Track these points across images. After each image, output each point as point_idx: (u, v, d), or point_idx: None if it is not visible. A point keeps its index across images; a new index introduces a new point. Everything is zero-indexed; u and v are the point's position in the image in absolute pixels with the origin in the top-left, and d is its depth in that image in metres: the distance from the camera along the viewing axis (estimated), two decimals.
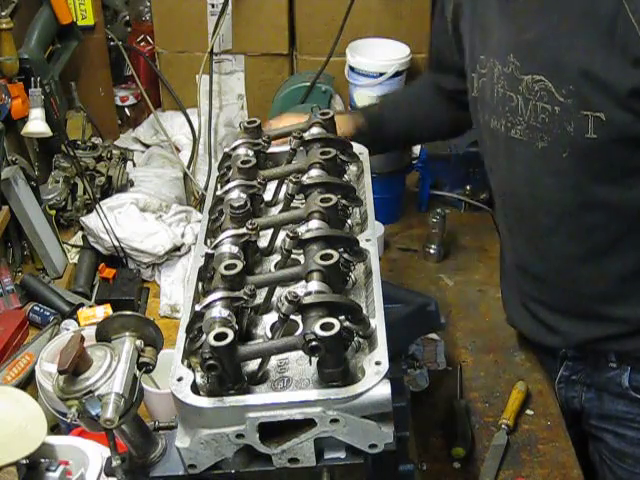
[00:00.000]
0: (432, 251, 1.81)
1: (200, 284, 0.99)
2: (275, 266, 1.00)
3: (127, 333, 0.87)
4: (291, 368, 0.87)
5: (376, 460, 0.84)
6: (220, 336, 0.78)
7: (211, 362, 0.79)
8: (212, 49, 2.10)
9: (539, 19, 1.17)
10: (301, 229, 0.94)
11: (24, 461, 1.06)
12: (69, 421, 0.83)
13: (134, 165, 2.01)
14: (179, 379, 0.83)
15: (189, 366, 0.86)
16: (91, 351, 0.84)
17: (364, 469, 0.84)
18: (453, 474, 1.30)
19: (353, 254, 0.94)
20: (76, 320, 1.53)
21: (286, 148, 1.15)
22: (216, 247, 0.95)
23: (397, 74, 1.94)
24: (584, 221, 1.25)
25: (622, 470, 1.44)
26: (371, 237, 1.00)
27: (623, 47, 1.07)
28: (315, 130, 1.12)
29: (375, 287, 0.92)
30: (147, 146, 2.17)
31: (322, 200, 0.96)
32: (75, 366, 0.81)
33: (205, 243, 1.04)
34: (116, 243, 1.68)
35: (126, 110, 2.28)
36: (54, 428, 1.29)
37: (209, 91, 2.11)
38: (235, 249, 0.94)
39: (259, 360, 0.86)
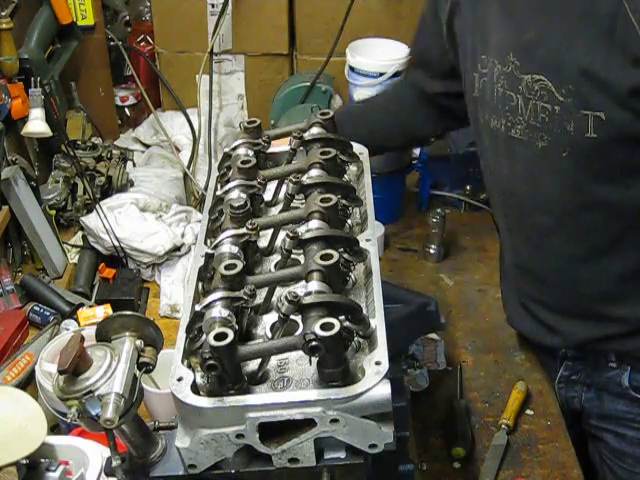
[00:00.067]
0: (432, 251, 1.81)
1: (200, 284, 0.99)
2: (275, 266, 1.00)
3: (127, 333, 0.87)
4: (291, 368, 0.87)
5: (376, 460, 0.84)
6: (220, 336, 0.78)
7: (211, 362, 0.79)
8: (212, 49, 2.10)
9: (539, 19, 1.17)
10: (301, 229, 0.94)
11: (24, 461, 1.06)
12: (69, 421, 0.83)
13: (134, 165, 2.01)
14: (179, 379, 0.83)
15: (189, 366, 0.86)
16: (91, 351, 0.84)
17: (364, 469, 0.84)
18: (453, 474, 1.30)
19: (353, 254, 0.94)
20: (76, 320, 1.53)
21: (286, 148, 1.15)
22: (216, 247, 0.95)
23: (397, 74, 1.93)
24: (584, 221, 1.25)
25: (622, 470, 1.44)
26: (371, 237, 1.00)
27: (623, 46, 1.07)
28: (315, 130, 1.12)
29: (375, 287, 0.92)
30: (147, 146, 2.17)
31: (322, 200, 0.96)
32: (75, 366, 0.81)
33: (205, 243, 1.04)
34: (116, 243, 1.68)
35: (126, 110, 2.28)
36: (54, 428, 1.29)
37: (209, 91, 2.11)
38: (235, 249, 0.94)
39: (259, 360, 0.86)
